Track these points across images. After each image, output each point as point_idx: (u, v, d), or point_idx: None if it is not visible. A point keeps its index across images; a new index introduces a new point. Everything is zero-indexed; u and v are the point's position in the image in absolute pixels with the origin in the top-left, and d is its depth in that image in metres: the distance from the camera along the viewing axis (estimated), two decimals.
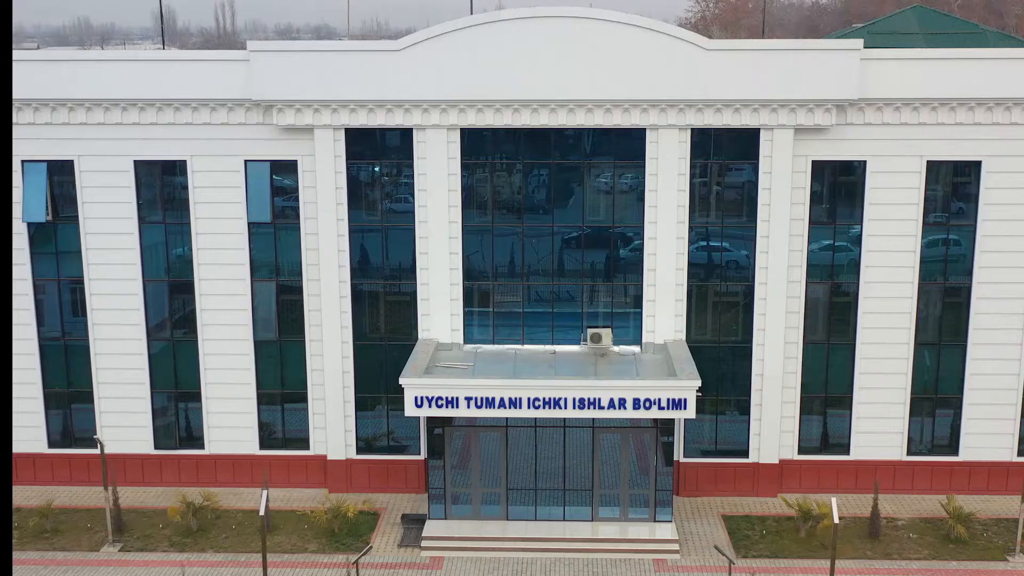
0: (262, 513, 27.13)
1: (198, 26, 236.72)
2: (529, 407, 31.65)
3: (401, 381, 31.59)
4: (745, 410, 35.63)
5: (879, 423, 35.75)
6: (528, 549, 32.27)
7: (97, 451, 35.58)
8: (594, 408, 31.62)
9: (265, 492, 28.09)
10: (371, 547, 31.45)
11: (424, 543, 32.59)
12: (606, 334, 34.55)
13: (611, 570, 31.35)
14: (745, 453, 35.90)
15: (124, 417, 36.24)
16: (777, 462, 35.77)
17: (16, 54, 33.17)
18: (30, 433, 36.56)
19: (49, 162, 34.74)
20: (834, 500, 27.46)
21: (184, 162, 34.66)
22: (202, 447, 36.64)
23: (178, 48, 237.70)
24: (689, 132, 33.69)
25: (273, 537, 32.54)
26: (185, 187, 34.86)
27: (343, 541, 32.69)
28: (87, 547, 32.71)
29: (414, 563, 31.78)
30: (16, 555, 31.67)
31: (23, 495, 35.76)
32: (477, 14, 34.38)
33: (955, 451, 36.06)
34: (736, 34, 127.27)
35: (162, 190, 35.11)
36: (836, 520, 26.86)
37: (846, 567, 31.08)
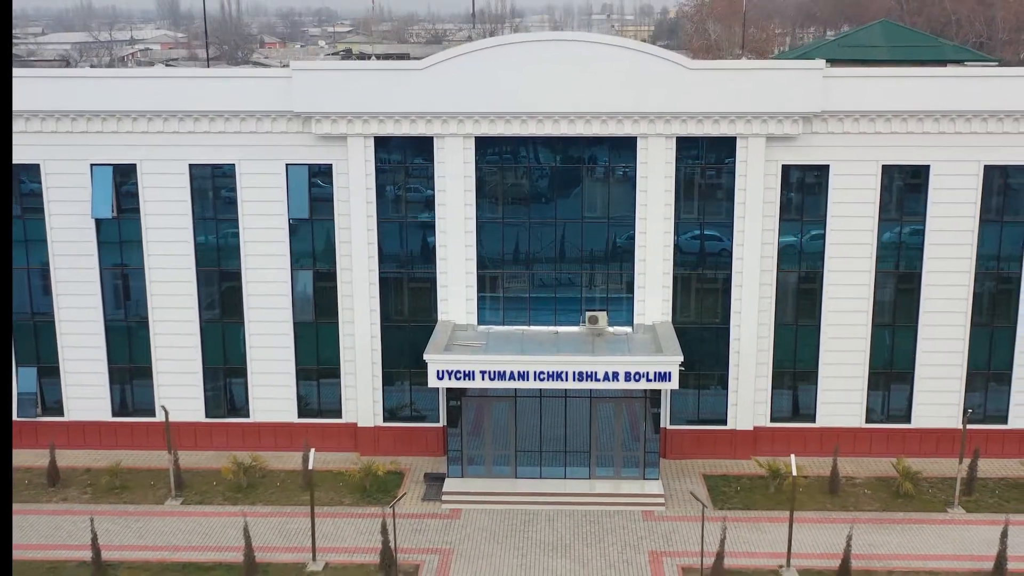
0: (310, 467, 32.23)
1: (201, 10, 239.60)
2: (535, 379, 36.59)
3: (425, 357, 36.54)
4: (723, 383, 40.57)
5: (841, 395, 40.70)
6: (534, 502, 37.28)
7: (153, 419, 40.93)
8: (591, 380, 36.60)
9: (312, 451, 33.14)
10: (405, 494, 36.57)
11: (444, 497, 37.61)
12: (602, 316, 39.47)
13: (606, 520, 36.35)
14: (723, 421, 40.86)
15: (179, 389, 41.13)
16: (751, 429, 40.73)
17: (88, 71, 37.96)
18: (96, 404, 41.53)
19: (115, 165, 39.55)
20: (793, 457, 32.61)
21: (233, 165, 39.51)
22: (247, 416, 41.59)
23: (180, 33, 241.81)
24: (674, 140, 38.52)
25: (313, 492, 37.43)
26: (233, 187, 39.71)
27: (374, 496, 37.69)
28: (153, 500, 37.77)
29: (436, 514, 36.80)
30: (93, 507, 36.76)
31: (92, 457, 40.83)
32: (492, 38, 39.10)
33: (908, 419, 41.01)
34: (731, 27, 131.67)
35: (213, 190, 39.94)
36: (794, 473, 31.94)
37: (808, 517, 36.11)
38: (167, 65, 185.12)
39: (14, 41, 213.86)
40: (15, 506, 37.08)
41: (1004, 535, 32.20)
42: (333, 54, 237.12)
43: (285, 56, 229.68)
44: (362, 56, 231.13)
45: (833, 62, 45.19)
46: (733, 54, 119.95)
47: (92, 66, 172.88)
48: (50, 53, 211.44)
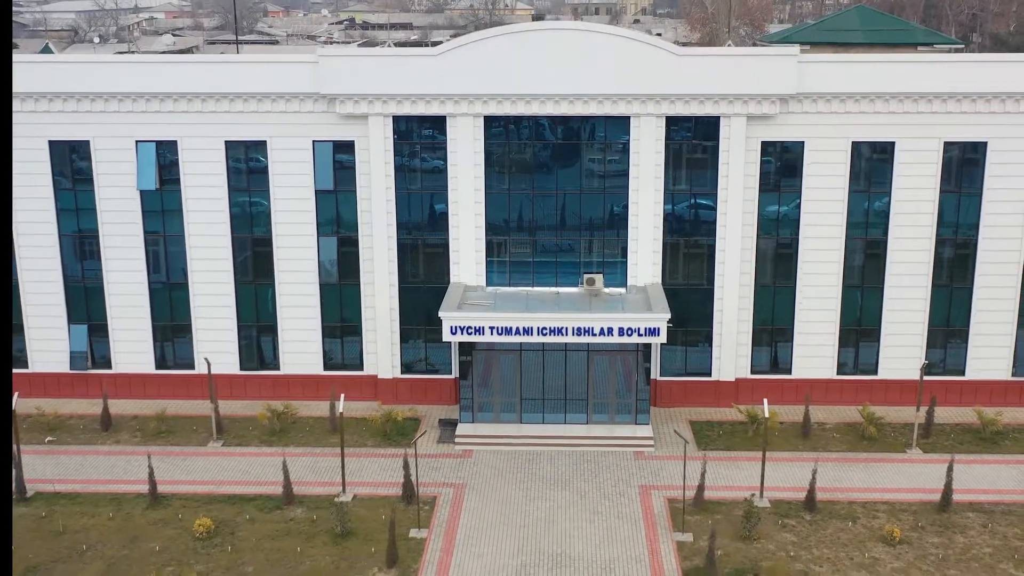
0: (340, 410, 36.59)
1: None
2: (538, 335, 40.86)
3: (440, 314, 40.80)
4: (708, 339, 44.87)
5: (815, 349, 45.03)
6: (537, 444, 41.68)
7: (192, 372, 45.35)
8: (589, 335, 40.88)
9: (342, 396, 37.52)
10: (425, 431, 41.05)
11: (457, 440, 42.02)
12: (599, 278, 43.70)
13: (601, 459, 40.76)
14: (708, 373, 45.22)
15: (215, 345, 45.37)
16: (733, 380, 45.08)
17: (135, 57, 41.86)
18: (141, 358, 45.86)
19: (157, 142, 43.64)
20: (765, 401, 37.03)
21: (264, 142, 43.58)
22: (277, 368, 45.93)
23: (185, 1, 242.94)
24: (664, 119, 42.57)
25: (343, 434, 41.83)
26: (265, 161, 43.80)
27: (394, 439, 42.09)
28: (196, 443, 42.21)
29: (450, 454, 41.24)
30: (144, 448, 41.11)
31: (138, 406, 45.21)
32: (499, 27, 43.15)
33: (875, 371, 45.31)
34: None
35: (247, 164, 44.03)
36: (767, 414, 36.35)
37: (781, 456, 40.46)
38: (173, 35, 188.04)
39: (18, 10, 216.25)
40: (73, 447, 41.75)
41: (950, 470, 36.62)
42: (337, 23, 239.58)
43: (289, 25, 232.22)
44: (365, 25, 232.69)
45: (813, 45, 49.38)
46: (729, 25, 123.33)
47: (100, 36, 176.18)
48: (56, 22, 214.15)
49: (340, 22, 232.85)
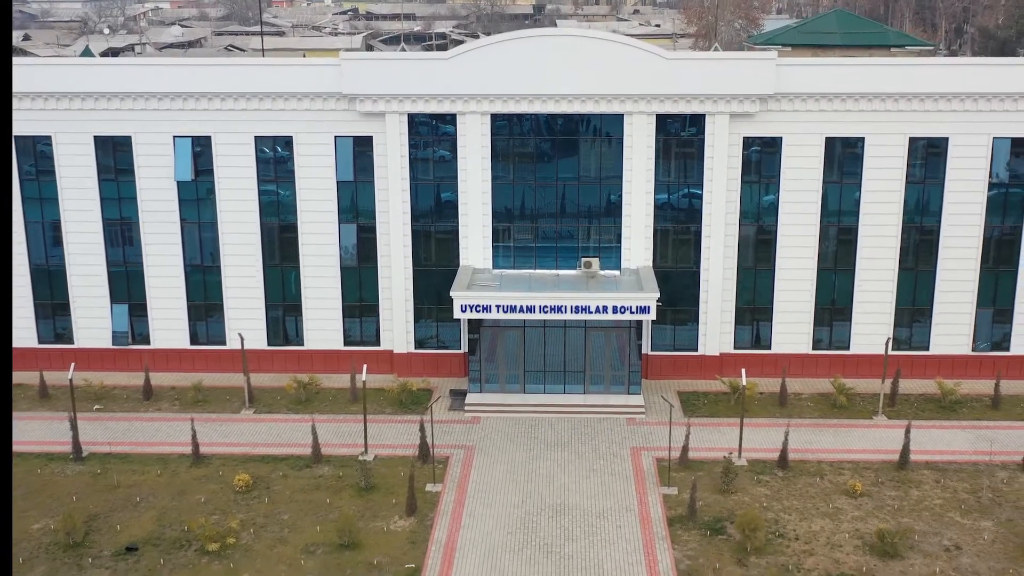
0: (363, 379, 40.93)
1: None
2: (540, 312, 45.15)
3: (452, 293, 45.07)
4: (695, 317, 49.13)
5: (792, 327, 49.30)
6: (539, 411, 46.03)
7: (224, 347, 49.60)
8: (586, 313, 45.16)
9: (364, 368, 41.87)
10: (440, 397, 45.45)
11: (466, 408, 46.35)
12: (595, 262, 47.94)
13: (597, 425, 45.10)
14: (695, 348, 49.51)
15: (245, 323, 49.65)
16: (718, 354, 49.37)
17: (174, 59, 45.95)
18: (177, 334, 50.17)
19: (193, 137, 47.85)
20: (743, 371, 41.36)
21: (291, 137, 47.77)
22: (301, 344, 50.23)
23: None
24: (654, 116, 46.75)
25: (360, 404, 46.09)
26: (291, 155, 47.99)
27: (409, 407, 46.42)
28: (230, 410, 46.56)
29: (461, 420, 45.58)
30: (183, 415, 45.43)
31: (176, 378, 49.48)
32: (505, 33, 47.35)
33: (847, 347, 49.61)
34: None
35: (274, 157, 48.25)
36: (744, 382, 40.67)
37: (759, 423, 44.77)
38: (181, 25, 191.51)
39: (25, 0, 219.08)
40: (120, 414, 46.11)
41: (907, 433, 41.02)
42: (340, 13, 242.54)
43: (293, 15, 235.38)
44: (369, 15, 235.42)
45: (794, 47, 53.52)
46: (715, 15, 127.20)
47: (110, 27, 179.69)
48: (64, 13, 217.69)
49: (344, 12, 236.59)
